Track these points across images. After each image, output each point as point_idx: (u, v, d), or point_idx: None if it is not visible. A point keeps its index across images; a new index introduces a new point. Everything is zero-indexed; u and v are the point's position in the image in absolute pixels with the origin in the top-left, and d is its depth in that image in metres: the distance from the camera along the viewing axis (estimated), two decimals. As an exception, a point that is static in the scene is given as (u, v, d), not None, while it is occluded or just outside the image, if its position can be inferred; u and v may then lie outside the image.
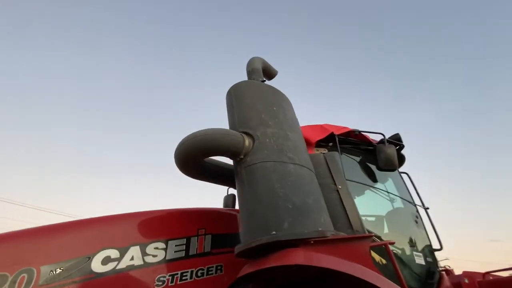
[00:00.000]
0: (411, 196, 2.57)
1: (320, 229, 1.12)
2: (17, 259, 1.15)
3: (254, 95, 1.57)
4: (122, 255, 1.33)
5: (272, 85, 2.01)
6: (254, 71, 1.86)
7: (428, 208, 2.47)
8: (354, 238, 1.18)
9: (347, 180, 2.10)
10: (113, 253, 1.32)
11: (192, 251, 1.54)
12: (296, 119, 1.69)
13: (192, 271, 1.47)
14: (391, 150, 2.26)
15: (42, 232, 1.29)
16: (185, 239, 1.55)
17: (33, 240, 1.25)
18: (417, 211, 2.48)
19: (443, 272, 2.20)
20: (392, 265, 1.41)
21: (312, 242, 1.07)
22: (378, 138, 2.52)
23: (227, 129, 1.36)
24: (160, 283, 1.35)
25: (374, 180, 2.52)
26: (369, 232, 2.13)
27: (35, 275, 1.14)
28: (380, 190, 2.64)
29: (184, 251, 1.51)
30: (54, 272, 1.17)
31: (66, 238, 1.29)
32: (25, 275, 1.13)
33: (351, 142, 2.49)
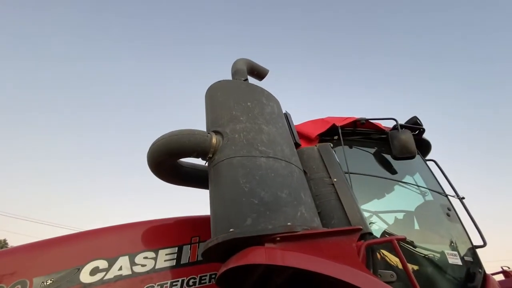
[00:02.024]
0: (441, 187, 2.23)
1: (288, 223, 1.00)
2: (12, 272, 1.24)
3: (226, 93, 1.53)
4: (110, 265, 1.35)
5: (257, 83, 1.96)
6: (237, 72, 1.83)
7: (463, 198, 2.11)
8: (333, 232, 1.03)
9: (356, 173, 1.91)
10: (102, 263, 1.35)
11: (184, 260, 1.50)
12: (279, 114, 1.60)
13: (183, 280, 1.43)
14: (406, 135, 2.00)
15: (35, 247, 1.38)
16: (176, 248, 1.52)
17: (27, 254, 1.34)
18: (450, 202, 2.13)
19: (489, 274, 1.81)
20: (402, 265, 1.20)
21: (278, 238, 0.96)
22: (391, 125, 2.27)
23: (193, 129, 1.33)
24: None
25: (394, 172, 2.25)
26: (383, 233, 1.89)
27: (28, 286, 1.21)
28: (404, 183, 2.35)
29: (175, 260, 1.48)
30: (45, 283, 1.23)
31: (57, 251, 1.37)
32: (19, 286, 1.20)
33: (360, 132, 2.28)
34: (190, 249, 1.54)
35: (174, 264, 1.46)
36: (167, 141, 1.29)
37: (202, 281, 1.46)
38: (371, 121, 2.23)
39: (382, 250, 1.60)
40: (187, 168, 1.62)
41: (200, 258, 1.53)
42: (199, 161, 1.48)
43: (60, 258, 1.32)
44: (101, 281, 1.30)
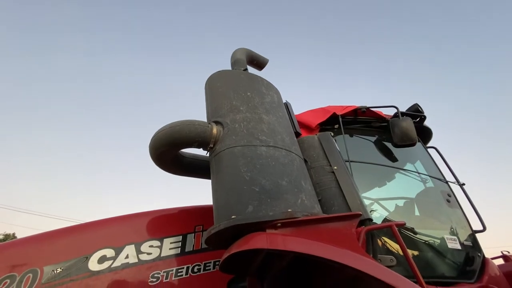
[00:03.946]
0: (442, 174, 2.24)
1: (289, 210, 1.02)
2: (24, 261, 1.28)
3: (226, 84, 1.53)
4: (117, 254, 1.40)
5: (256, 73, 1.95)
6: (236, 62, 1.82)
7: (463, 184, 2.12)
8: (333, 218, 1.05)
9: (357, 162, 1.93)
10: (109, 252, 1.39)
11: (189, 248, 1.54)
12: (279, 103, 1.60)
13: (188, 267, 1.47)
14: (407, 123, 2.00)
15: (44, 237, 1.42)
16: (181, 236, 1.56)
17: (37, 244, 1.39)
18: (451, 189, 2.15)
19: (488, 258, 1.85)
20: (402, 250, 1.23)
21: (279, 224, 0.98)
22: (392, 113, 2.26)
23: (194, 120, 1.35)
24: (155, 279, 1.38)
25: (395, 159, 2.26)
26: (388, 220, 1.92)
27: (39, 274, 1.26)
28: (405, 171, 2.37)
29: (179, 248, 1.52)
30: (55, 272, 1.28)
31: (66, 241, 1.41)
32: (31, 274, 1.25)
33: (361, 121, 2.28)
34: (194, 238, 1.58)
35: (179, 252, 1.51)
36: (169, 132, 1.30)
37: (207, 268, 1.51)
38: (371, 109, 2.23)
39: (382, 237, 1.63)
40: (189, 159, 1.64)
41: (204, 246, 1.57)
42: (200, 152, 1.49)
43: (69, 247, 1.37)
44: (109, 268, 1.35)
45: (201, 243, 1.58)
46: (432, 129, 2.43)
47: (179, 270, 1.45)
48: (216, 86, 1.56)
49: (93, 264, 1.34)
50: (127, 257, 1.40)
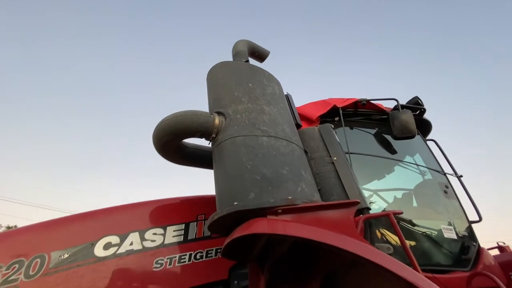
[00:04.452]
0: (440, 166, 2.27)
1: (289, 197, 1.05)
2: (32, 247, 1.32)
3: (228, 75, 1.54)
4: (122, 240, 1.43)
5: (258, 64, 1.96)
6: (238, 54, 1.83)
7: (461, 176, 2.15)
8: (332, 205, 1.08)
9: (357, 153, 1.95)
10: (114, 239, 1.43)
11: (191, 236, 1.58)
12: (280, 95, 1.62)
13: (190, 254, 1.51)
14: (406, 115, 2.03)
15: (52, 224, 1.46)
16: (184, 225, 1.60)
17: (45, 231, 1.42)
18: (448, 180, 2.18)
19: (483, 248, 1.89)
20: (399, 238, 1.27)
21: (279, 211, 1.02)
22: (393, 105, 2.28)
23: (197, 110, 1.37)
24: (158, 265, 1.42)
25: (394, 152, 2.29)
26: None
27: (47, 259, 1.30)
28: (404, 163, 2.40)
29: (182, 236, 1.56)
30: (62, 257, 1.32)
31: (72, 228, 1.45)
32: (39, 260, 1.29)
33: (361, 113, 2.30)
34: (196, 226, 1.62)
35: (182, 239, 1.54)
36: (172, 122, 1.32)
37: (209, 255, 1.55)
38: (372, 101, 2.25)
39: (380, 229, 1.67)
40: (191, 149, 1.67)
41: (206, 234, 1.61)
42: (201, 142, 1.52)
43: (75, 234, 1.40)
44: (114, 255, 1.39)
45: (203, 232, 1.62)
46: (432, 122, 2.46)
47: (182, 257, 1.49)
48: (218, 77, 1.57)
49: (99, 250, 1.38)
50: (131, 244, 1.44)
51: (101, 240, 1.41)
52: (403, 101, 2.27)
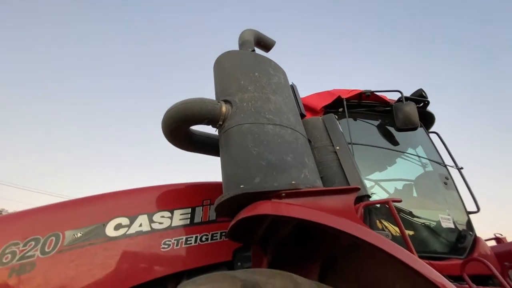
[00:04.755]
0: (441, 158, 2.30)
1: (293, 182, 1.10)
2: (47, 226, 1.40)
3: (234, 64, 1.57)
4: (131, 222, 1.50)
5: (264, 54, 1.98)
6: (244, 43, 1.85)
7: (461, 168, 2.19)
8: (334, 191, 1.13)
9: (359, 144, 1.99)
10: (124, 220, 1.50)
11: (197, 219, 1.65)
12: (285, 84, 1.65)
13: (196, 237, 1.58)
14: (409, 107, 2.04)
15: (66, 205, 1.53)
16: (190, 209, 1.66)
17: (59, 211, 1.50)
18: (449, 172, 2.22)
19: (480, 237, 1.94)
20: (397, 225, 1.32)
21: (283, 194, 1.07)
22: (397, 97, 2.29)
23: (204, 98, 1.40)
24: (166, 246, 1.49)
25: (396, 144, 2.32)
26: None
27: (61, 238, 1.37)
28: (406, 155, 2.43)
29: (189, 219, 1.63)
30: (76, 236, 1.39)
31: (85, 209, 1.52)
32: (53, 238, 1.37)
33: (365, 105, 2.32)
34: (202, 210, 1.68)
35: (188, 222, 1.61)
36: (180, 109, 1.37)
37: (214, 238, 1.62)
38: (376, 93, 2.26)
39: (380, 219, 1.72)
40: (198, 136, 1.72)
41: (211, 218, 1.67)
42: (208, 130, 1.56)
43: (88, 214, 1.47)
44: (124, 235, 1.46)
45: (209, 216, 1.68)
46: (435, 114, 2.47)
47: (188, 239, 1.56)
48: (224, 66, 1.60)
49: (110, 231, 1.45)
50: (140, 225, 1.51)
51: (112, 221, 1.47)
52: (407, 93, 2.28)
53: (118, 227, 1.47)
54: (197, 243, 1.56)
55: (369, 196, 1.45)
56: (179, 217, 1.61)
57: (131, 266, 1.41)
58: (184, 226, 1.59)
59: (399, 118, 2.06)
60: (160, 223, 1.56)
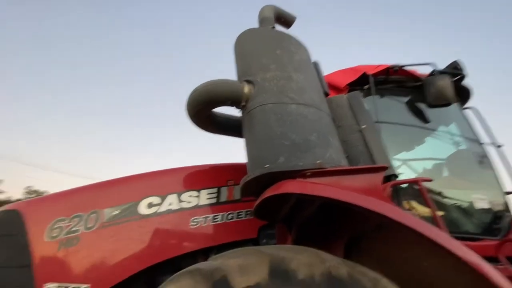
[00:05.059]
0: (478, 136, 2.14)
1: (318, 161, 1.10)
2: (88, 204, 1.53)
3: (255, 42, 1.54)
4: (162, 201, 1.60)
5: (286, 31, 1.91)
6: (264, 20, 1.79)
7: (501, 146, 2.03)
8: (360, 169, 1.11)
9: (386, 122, 1.90)
10: (155, 199, 1.60)
11: (223, 199, 1.71)
12: (307, 62, 1.59)
13: (223, 215, 1.65)
14: (443, 81, 1.90)
15: (104, 185, 1.66)
16: (216, 189, 1.73)
17: (98, 190, 1.63)
18: (486, 151, 2.07)
19: None
20: (427, 205, 1.28)
21: (308, 173, 1.07)
22: (429, 71, 2.13)
23: (226, 79, 1.40)
24: (194, 223, 1.58)
25: (428, 121, 2.19)
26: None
27: (101, 215, 1.50)
28: (437, 133, 2.30)
29: (215, 198, 1.70)
30: (113, 213, 1.51)
31: (120, 188, 1.64)
32: (94, 215, 1.49)
33: (393, 80, 2.18)
34: (227, 190, 1.74)
35: (215, 201, 1.68)
36: (203, 91, 1.38)
37: (239, 216, 1.68)
38: (405, 67, 2.11)
39: (408, 200, 1.67)
40: (221, 117, 1.74)
41: (236, 198, 1.73)
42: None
43: (123, 194, 1.59)
44: (156, 213, 1.56)
45: (233, 195, 1.74)
46: (473, 88, 2.28)
47: (215, 217, 1.63)
48: (245, 45, 1.57)
49: (143, 209, 1.55)
50: (170, 204, 1.60)
51: (144, 200, 1.58)
52: (441, 66, 2.11)
53: (150, 205, 1.57)
54: (223, 221, 1.64)
55: (396, 176, 1.40)
56: (206, 197, 1.68)
57: (163, 241, 1.52)
58: (211, 205, 1.67)
59: (431, 93, 1.93)
60: (188, 202, 1.64)
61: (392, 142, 1.87)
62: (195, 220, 1.59)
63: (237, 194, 1.74)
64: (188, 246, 1.54)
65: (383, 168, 1.13)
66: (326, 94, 1.68)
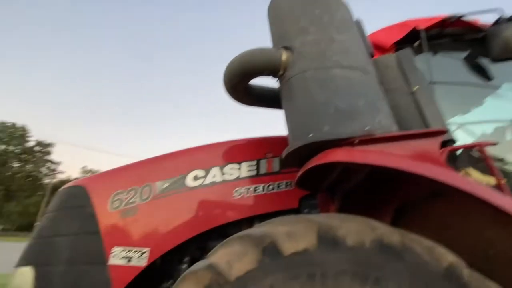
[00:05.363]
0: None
1: (367, 128, 1.02)
2: (141, 178, 1.66)
3: (291, 4, 1.42)
4: (206, 174, 1.68)
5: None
6: None
7: None
8: (415, 135, 1.01)
9: (442, 83, 1.70)
10: (200, 173, 1.68)
11: (262, 171, 1.74)
12: (349, 20, 1.44)
13: (263, 186, 1.69)
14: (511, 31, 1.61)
15: (154, 160, 1.79)
16: (255, 161, 1.76)
17: (149, 165, 1.76)
18: None
19: None
20: (491, 171, 1.15)
21: (356, 141, 1.01)
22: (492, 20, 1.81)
23: (263, 48, 1.34)
24: (238, 194, 1.65)
25: (490, 79, 1.91)
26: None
27: (153, 188, 1.63)
28: (502, 91, 2.02)
29: (255, 171, 1.73)
30: (164, 186, 1.64)
31: (168, 163, 1.76)
32: (147, 187, 1.63)
33: (448, 34, 1.91)
34: (266, 163, 1.76)
35: (255, 174, 1.72)
36: (240, 62, 1.34)
37: (280, 187, 1.71)
38: (464, 17, 1.82)
39: (465, 169, 1.52)
40: (259, 89, 1.71)
41: (275, 170, 1.75)
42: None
43: (171, 168, 1.70)
44: (202, 185, 1.65)
45: (273, 167, 1.76)
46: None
47: (257, 188, 1.68)
48: (280, 8, 1.47)
49: (190, 181, 1.65)
50: (214, 176, 1.68)
51: (190, 173, 1.67)
52: (509, 13, 1.78)
53: (195, 178, 1.67)
54: (264, 192, 1.68)
55: (454, 141, 1.27)
56: (246, 169, 1.73)
57: (210, 211, 1.62)
58: (251, 177, 1.71)
59: (496, 45, 1.66)
60: (230, 174, 1.70)
61: (447, 104, 1.68)
62: (238, 191, 1.65)
63: (276, 166, 1.76)
64: (233, 215, 1.62)
65: (442, 132, 1.02)
66: (372, 55, 1.53)
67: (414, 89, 1.35)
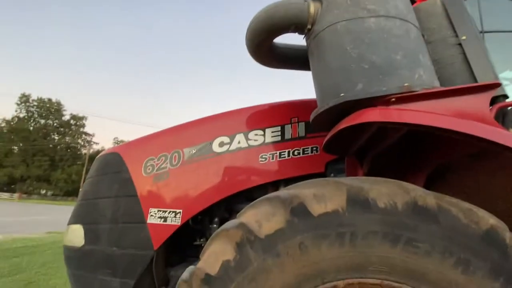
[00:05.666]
0: None
1: (405, 84, 0.93)
2: (170, 145, 1.73)
3: None
4: (231, 140, 1.69)
5: None
6: None
7: None
8: (461, 90, 0.90)
9: (495, 32, 1.48)
10: (225, 139, 1.70)
11: (287, 136, 1.71)
12: None
13: (289, 151, 1.67)
14: None
15: (182, 128, 1.84)
16: (280, 127, 1.73)
17: (176, 133, 1.82)
18: None
19: None
20: None
21: (393, 99, 0.92)
22: None
23: (288, 0, 1.21)
24: (263, 159, 1.65)
25: None
26: None
27: (181, 154, 1.68)
28: None
29: (280, 136, 1.71)
30: (192, 152, 1.69)
31: (195, 130, 1.79)
32: (176, 154, 1.69)
33: None
34: (291, 128, 1.73)
35: (280, 139, 1.70)
36: (263, 18, 1.24)
37: (305, 152, 1.68)
38: None
39: None
40: (284, 49, 1.61)
41: (300, 135, 1.71)
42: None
43: (198, 135, 1.74)
44: (227, 151, 1.68)
45: (298, 132, 1.72)
46: None
47: (282, 153, 1.67)
48: None
49: (216, 147, 1.68)
50: (239, 142, 1.69)
51: (216, 140, 1.70)
52: None
53: (221, 144, 1.69)
54: (290, 157, 1.67)
55: (506, 96, 1.13)
56: (271, 135, 1.71)
57: (237, 175, 1.66)
58: (276, 142, 1.69)
59: None
60: (255, 140, 1.70)
61: (500, 56, 1.48)
62: (264, 156, 1.66)
63: (301, 131, 1.71)
64: (259, 179, 1.65)
65: (495, 85, 0.90)
66: (412, 2, 1.35)
67: (462, 38, 1.18)
